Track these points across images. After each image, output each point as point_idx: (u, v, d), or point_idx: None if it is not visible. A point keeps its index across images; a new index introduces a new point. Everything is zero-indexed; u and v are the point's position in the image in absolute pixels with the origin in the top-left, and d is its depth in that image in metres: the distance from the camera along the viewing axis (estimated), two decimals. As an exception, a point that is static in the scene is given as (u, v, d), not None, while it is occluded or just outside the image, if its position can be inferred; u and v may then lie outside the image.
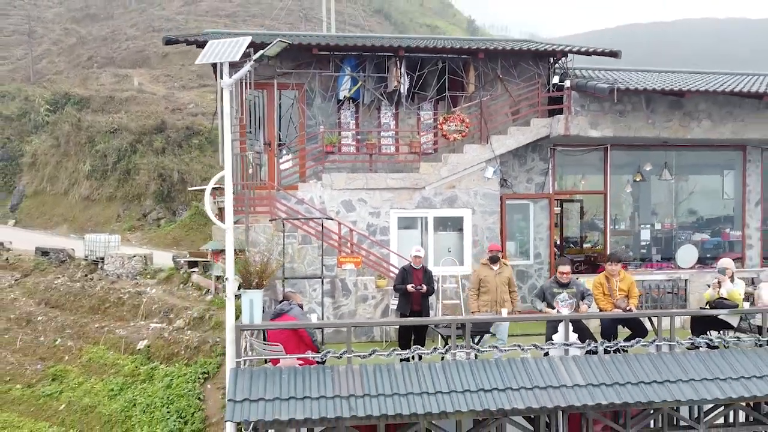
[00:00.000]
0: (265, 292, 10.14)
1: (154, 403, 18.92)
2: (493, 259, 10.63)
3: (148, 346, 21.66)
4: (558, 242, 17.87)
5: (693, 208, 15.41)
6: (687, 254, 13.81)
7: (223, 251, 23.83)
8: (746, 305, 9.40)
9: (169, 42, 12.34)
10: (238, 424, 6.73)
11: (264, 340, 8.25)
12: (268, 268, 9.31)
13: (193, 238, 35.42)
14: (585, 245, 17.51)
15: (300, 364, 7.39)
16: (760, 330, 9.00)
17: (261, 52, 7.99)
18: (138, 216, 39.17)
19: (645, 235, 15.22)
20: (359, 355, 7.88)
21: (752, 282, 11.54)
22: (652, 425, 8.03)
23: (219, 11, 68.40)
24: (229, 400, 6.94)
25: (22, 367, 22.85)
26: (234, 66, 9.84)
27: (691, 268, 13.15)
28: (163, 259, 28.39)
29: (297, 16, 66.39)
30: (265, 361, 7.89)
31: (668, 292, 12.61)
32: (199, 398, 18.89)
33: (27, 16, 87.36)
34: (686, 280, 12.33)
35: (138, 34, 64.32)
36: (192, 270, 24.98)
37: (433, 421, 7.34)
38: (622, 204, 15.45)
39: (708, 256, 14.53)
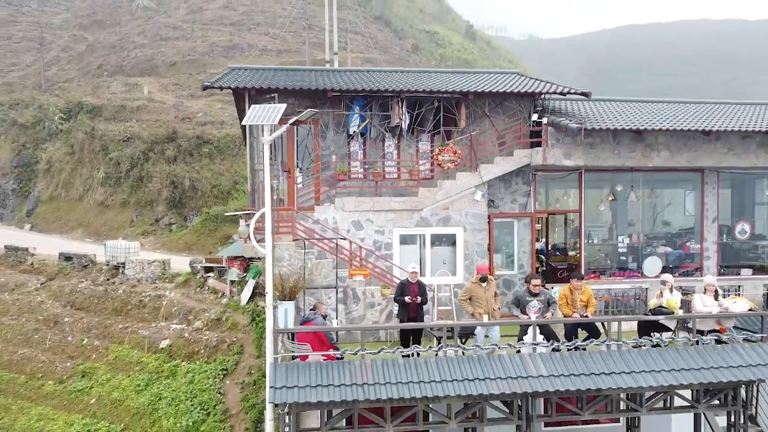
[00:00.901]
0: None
1: (179, 397, 20.71)
2: (482, 279, 12.49)
3: (170, 346, 23.39)
4: (545, 250, 19.76)
5: (658, 223, 17.31)
6: (652, 265, 15.74)
7: (237, 258, 25.73)
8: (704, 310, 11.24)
9: (205, 88, 14.00)
10: (276, 405, 8.55)
11: (292, 340, 10.09)
12: (299, 284, 11.08)
13: (204, 243, 36.98)
14: (570, 253, 19.41)
15: (324, 359, 9.26)
16: (696, 331, 10.87)
17: (295, 118, 9.83)
18: (150, 221, 40.64)
19: (621, 246, 17.12)
20: (370, 352, 9.79)
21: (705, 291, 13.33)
22: (604, 408, 9.91)
23: (224, 19, 69.61)
24: (270, 387, 8.83)
25: (52, 364, 24.59)
26: (257, 102, 11.80)
27: (656, 276, 15.07)
28: (176, 263, 30.16)
29: (300, 25, 67.81)
30: (293, 358, 9.68)
31: (635, 298, 14.46)
32: (219, 392, 20.71)
33: (36, 23, 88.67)
34: (646, 288, 14.18)
35: (146, 42, 65.67)
36: (208, 275, 26.76)
37: (429, 405, 9.21)
38: (599, 219, 17.40)
39: (671, 266, 16.44)
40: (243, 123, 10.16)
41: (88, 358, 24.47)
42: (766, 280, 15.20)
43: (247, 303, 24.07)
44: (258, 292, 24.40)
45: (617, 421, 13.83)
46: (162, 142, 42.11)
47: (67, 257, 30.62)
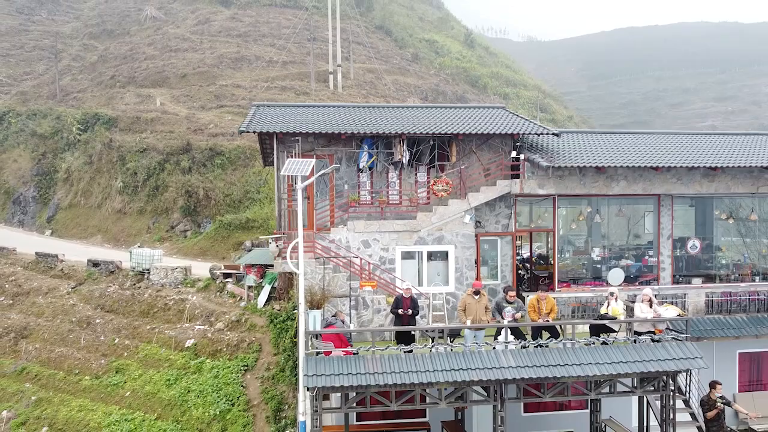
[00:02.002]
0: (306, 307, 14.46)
1: (206, 390, 23.22)
2: (476, 293, 15.03)
3: (195, 344, 25.86)
4: (530, 260, 22.32)
5: (622, 240, 19.87)
6: (616, 275, 18.32)
7: (254, 265, 28.25)
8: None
9: (241, 132, 16.26)
10: (308, 389, 11.09)
11: (317, 339, 12.64)
12: (324, 295, 13.67)
13: (217, 249, 39.28)
14: (551, 262, 21.93)
15: (344, 354, 11.80)
16: (634, 332, 13.43)
17: (321, 173, 12.41)
18: (166, 228, 42.91)
19: (592, 259, 19.69)
20: (379, 349, 12.36)
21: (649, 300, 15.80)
22: (562, 392, 12.46)
23: (231, 31, 71.77)
24: (303, 375, 11.39)
25: (88, 361, 27.05)
26: (283, 142, 14.42)
27: (619, 285, 17.57)
28: (193, 268, 32.58)
29: (304, 35, 70.07)
30: (317, 353, 12.19)
31: (599, 304, 16.95)
32: (242, 386, 23.24)
33: (46, 32, 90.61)
34: (605, 296, 16.65)
35: (156, 54, 67.81)
36: (227, 280, 29.25)
37: (425, 389, 11.81)
38: (576, 233, 20.00)
39: (633, 276, 19.00)
40: (282, 173, 12.73)
41: (120, 356, 26.85)
42: (707, 290, 17.77)
43: (264, 306, 26.57)
44: (273, 296, 26.94)
45: (585, 407, 16.48)
46: (177, 153, 44.40)
47: (95, 263, 33.03)
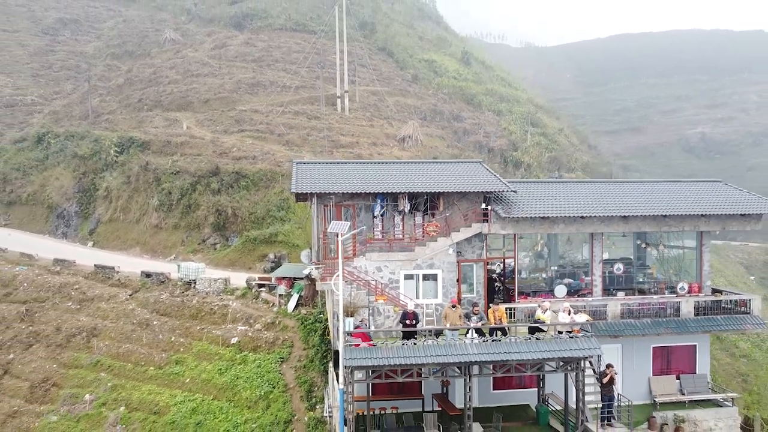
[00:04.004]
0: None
1: (251, 377, 29.41)
2: (453, 306, 21.18)
3: (239, 342, 32.01)
4: (503, 275, 28.43)
5: (564, 264, 26.16)
6: (560, 290, 24.54)
7: (284, 278, 34.55)
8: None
9: (294, 193, 21.95)
10: (346, 367, 17.35)
11: (350, 335, 18.87)
12: (354, 308, 19.99)
13: (244, 260, 45.30)
14: (526, 276, 28.17)
15: (367, 346, 18.04)
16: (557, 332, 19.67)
17: (350, 233, 18.75)
18: (198, 241, 48.83)
19: (545, 277, 25.89)
20: (389, 343, 18.59)
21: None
22: (509, 371, 18.70)
23: (246, 56, 77.70)
24: (344, 359, 17.64)
25: (150, 356, 33.13)
26: (321, 197, 20.92)
27: (563, 297, 23.80)
28: (216, 275, 38.35)
29: (314, 59, 76.04)
30: (349, 345, 18.47)
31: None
32: (279, 373, 29.47)
33: (71, 52, 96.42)
34: (550, 304, 22.68)
35: (179, 78, 73.73)
36: (260, 289, 35.55)
37: (420, 368, 18.08)
38: (532, 259, 26.44)
39: (573, 290, 25.13)
40: (328, 231, 19.06)
41: (177, 351, 32.95)
42: (623, 301, 24.00)
43: (293, 311, 32.92)
44: (300, 303, 33.30)
45: (535, 386, 22.85)
46: (207, 176, 50.47)
47: (147, 274, 39.24)
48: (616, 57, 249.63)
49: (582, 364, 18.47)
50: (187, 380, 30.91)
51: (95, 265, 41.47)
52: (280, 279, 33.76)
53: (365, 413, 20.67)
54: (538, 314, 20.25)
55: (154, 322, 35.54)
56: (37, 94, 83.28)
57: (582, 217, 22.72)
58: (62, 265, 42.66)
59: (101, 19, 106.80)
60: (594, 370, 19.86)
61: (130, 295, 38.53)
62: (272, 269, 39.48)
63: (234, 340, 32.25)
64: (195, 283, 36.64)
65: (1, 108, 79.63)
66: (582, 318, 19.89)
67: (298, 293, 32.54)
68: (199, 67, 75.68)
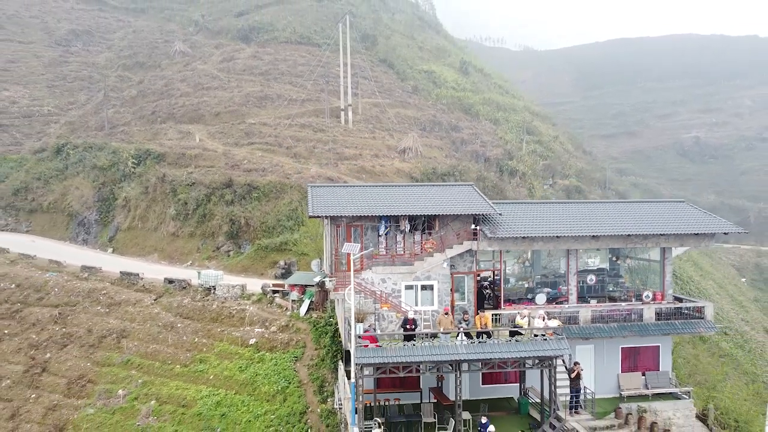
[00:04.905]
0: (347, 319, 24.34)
1: (269, 374, 32.93)
2: (446, 313, 24.69)
3: (256, 342, 35.51)
4: (492, 283, 31.93)
5: (547, 274, 29.76)
6: (540, 298, 28.15)
7: (296, 285, 38.09)
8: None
9: (311, 217, 25.55)
10: (356, 365, 20.93)
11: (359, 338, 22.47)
12: (363, 314, 23.59)
13: (256, 267, 48.66)
14: (515, 283, 31.81)
15: (375, 346, 21.68)
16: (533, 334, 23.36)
17: (360, 254, 22.42)
18: (213, 248, 52.22)
19: (527, 287, 29.51)
20: (392, 343, 22.22)
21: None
22: (492, 367, 22.26)
23: (253, 69, 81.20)
24: (355, 357, 21.22)
25: (176, 355, 36.60)
26: (333, 219, 24.61)
27: (543, 305, 27.41)
28: (234, 281, 41.87)
29: (318, 72, 79.57)
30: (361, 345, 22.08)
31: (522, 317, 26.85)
32: (294, 371, 33.02)
33: (83, 63, 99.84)
34: (529, 311, 26.35)
35: (190, 91, 77.19)
36: (275, 295, 39.08)
37: (419, 365, 21.75)
38: (520, 267, 30.07)
39: (551, 298, 28.60)
40: (342, 251, 22.63)
41: (201, 351, 36.43)
42: (594, 308, 27.58)
43: (305, 315, 36.46)
44: (311, 308, 36.86)
45: (517, 381, 26.49)
46: (221, 188, 53.93)
47: (170, 281, 42.72)
48: (614, 61, 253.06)
49: (554, 362, 22.10)
50: (211, 377, 34.38)
51: (121, 272, 44.85)
52: (292, 286, 37.29)
53: (372, 404, 24.36)
54: (518, 320, 23.92)
55: (178, 325, 38.97)
56: (53, 105, 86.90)
57: (557, 237, 26.36)
58: (89, 272, 46.09)
59: (111, 30, 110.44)
60: (566, 367, 23.56)
61: (154, 300, 41.96)
62: (282, 275, 43.05)
63: (252, 341, 35.71)
64: (214, 289, 40.08)
65: (19, 118, 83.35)
66: (554, 323, 23.51)
67: (309, 299, 36.06)
68: (208, 80, 79.17)
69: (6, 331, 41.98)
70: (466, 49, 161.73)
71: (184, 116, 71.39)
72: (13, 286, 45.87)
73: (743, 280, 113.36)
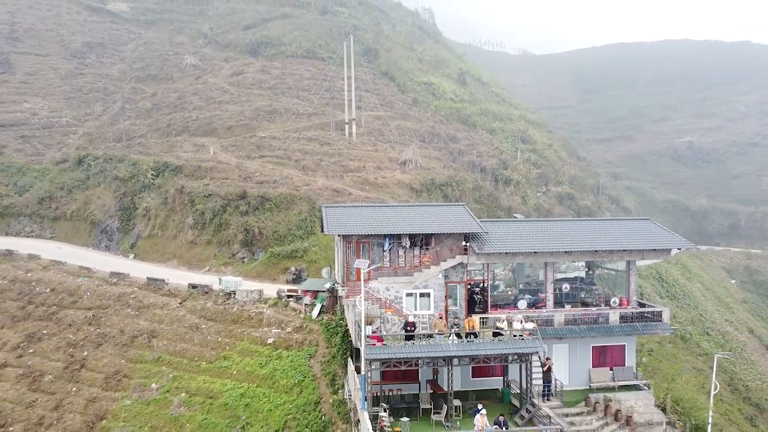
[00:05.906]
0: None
1: (287, 369, 37.28)
2: (440, 317, 29.11)
3: (274, 342, 39.87)
4: (482, 289, 36.41)
5: (530, 281, 34.26)
6: (522, 303, 32.70)
7: (309, 290, 42.75)
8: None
9: (324, 232, 30.08)
10: (366, 360, 25.41)
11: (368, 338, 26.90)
12: (372, 318, 28.12)
13: (269, 273, 52.94)
14: (503, 289, 36.38)
15: (381, 344, 26.11)
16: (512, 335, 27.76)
17: (368, 269, 27.07)
18: (228, 255, 56.53)
19: (510, 293, 34.01)
20: (396, 343, 26.70)
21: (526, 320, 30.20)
22: (479, 362, 26.66)
23: (262, 83, 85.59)
24: (365, 353, 25.70)
25: (202, 353, 40.91)
26: (345, 236, 29.22)
27: (524, 309, 31.90)
28: (251, 287, 46.12)
29: (324, 86, 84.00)
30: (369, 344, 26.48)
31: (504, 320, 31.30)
32: (308, 366, 37.38)
33: (98, 75, 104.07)
34: (510, 315, 31.13)
35: (202, 104, 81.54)
36: (289, 299, 43.51)
37: (418, 360, 26.22)
38: (509, 274, 34.56)
39: (531, 304, 33.07)
40: (355, 266, 27.19)
41: (224, 349, 40.72)
42: (567, 312, 32.09)
43: (317, 317, 40.90)
44: (322, 311, 41.32)
45: (501, 374, 31.08)
46: (235, 199, 58.27)
47: (194, 286, 47.04)
48: (611, 65, 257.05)
49: (530, 357, 26.67)
50: (234, 372, 38.72)
51: (147, 278, 49.29)
52: (305, 291, 41.77)
53: (378, 393, 28.93)
54: (498, 324, 28.57)
55: (203, 326, 43.32)
56: (70, 116, 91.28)
57: (535, 252, 30.99)
58: (118, 278, 50.52)
59: (123, 42, 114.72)
60: (541, 363, 28.17)
61: (179, 303, 46.31)
62: (293, 281, 47.48)
63: (270, 341, 40.05)
64: (234, 293, 44.49)
65: (39, 129, 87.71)
66: (530, 325, 28.09)
67: (321, 303, 40.54)
68: (219, 93, 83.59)
69: (45, 332, 46.41)
70: (465, 54, 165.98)
71: (198, 129, 75.59)
72: (48, 290, 50.35)
73: (733, 281, 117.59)
